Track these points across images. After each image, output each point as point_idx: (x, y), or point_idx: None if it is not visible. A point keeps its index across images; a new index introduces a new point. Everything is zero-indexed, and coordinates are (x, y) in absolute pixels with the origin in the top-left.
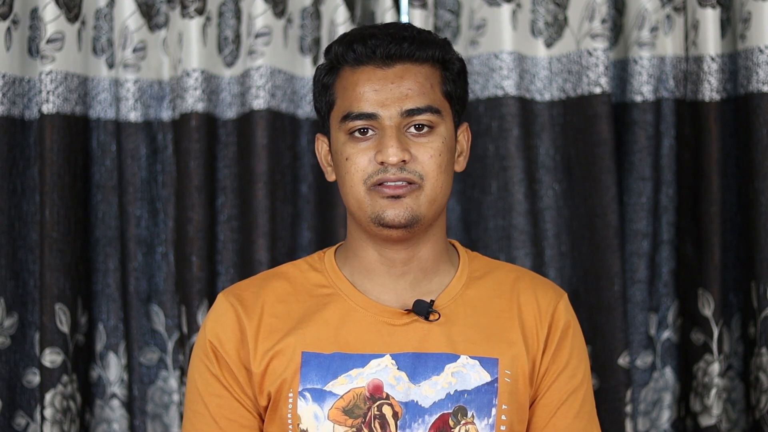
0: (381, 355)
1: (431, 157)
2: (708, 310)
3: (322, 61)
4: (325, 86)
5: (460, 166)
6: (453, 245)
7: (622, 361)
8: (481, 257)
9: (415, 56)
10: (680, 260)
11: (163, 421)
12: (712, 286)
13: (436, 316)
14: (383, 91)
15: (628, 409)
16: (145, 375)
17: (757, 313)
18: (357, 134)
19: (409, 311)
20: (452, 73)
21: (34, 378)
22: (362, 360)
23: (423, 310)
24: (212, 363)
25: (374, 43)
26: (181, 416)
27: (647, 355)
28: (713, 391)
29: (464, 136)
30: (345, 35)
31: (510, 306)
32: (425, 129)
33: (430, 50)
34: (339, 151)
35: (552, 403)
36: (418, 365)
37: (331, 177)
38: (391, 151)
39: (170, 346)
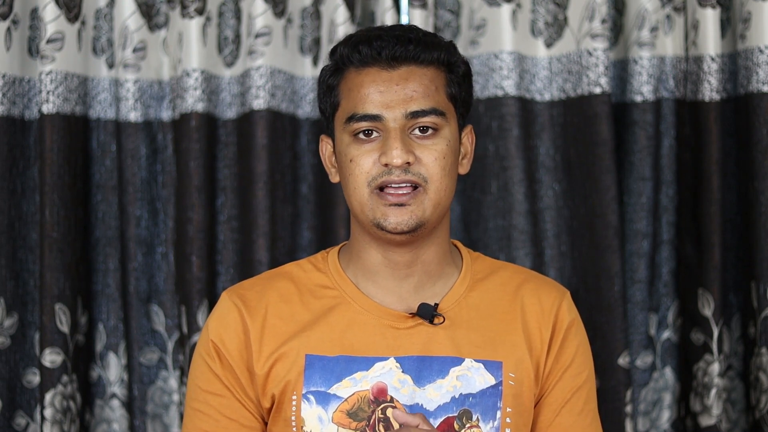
0: (385, 358)
1: (435, 160)
2: (708, 310)
3: (322, 61)
4: (329, 87)
5: (464, 168)
6: (455, 246)
7: (622, 361)
8: (484, 258)
9: (420, 58)
10: (680, 260)
11: (163, 421)
12: (712, 286)
13: (441, 319)
14: (388, 93)
15: (628, 409)
16: (145, 375)
17: (757, 313)
18: (361, 136)
19: (413, 315)
20: (457, 75)
21: (34, 378)
22: (366, 363)
23: (428, 314)
24: (215, 362)
25: (379, 45)
26: (181, 416)
27: (647, 355)
28: (713, 391)
29: (468, 139)
30: (350, 36)
31: (513, 308)
32: (429, 131)
33: (435, 52)
34: (343, 153)
35: (557, 402)
36: (422, 369)
37: (335, 178)
38: (395, 152)
39: (170, 346)
